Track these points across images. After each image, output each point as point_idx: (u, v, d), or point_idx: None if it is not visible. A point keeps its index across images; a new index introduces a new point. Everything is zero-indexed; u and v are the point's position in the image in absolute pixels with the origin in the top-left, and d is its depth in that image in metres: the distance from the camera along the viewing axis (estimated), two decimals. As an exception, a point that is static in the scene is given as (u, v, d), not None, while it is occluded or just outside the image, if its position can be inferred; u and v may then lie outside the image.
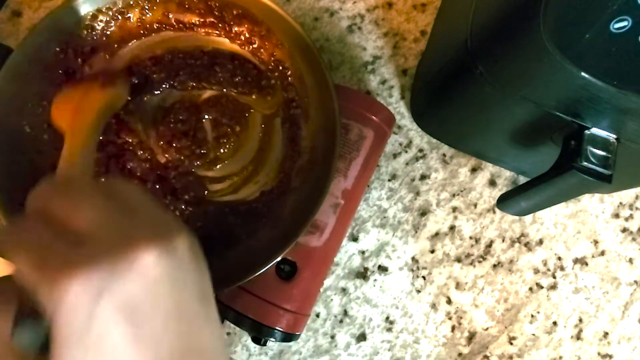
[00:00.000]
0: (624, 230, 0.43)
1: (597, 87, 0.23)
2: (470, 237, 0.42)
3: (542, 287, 0.42)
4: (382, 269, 0.41)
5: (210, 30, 0.37)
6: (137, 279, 0.19)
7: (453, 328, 0.41)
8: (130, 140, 0.36)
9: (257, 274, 0.32)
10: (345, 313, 0.41)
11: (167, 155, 0.36)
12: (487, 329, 0.41)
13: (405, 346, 0.41)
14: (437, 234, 0.42)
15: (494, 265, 0.42)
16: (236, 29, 0.37)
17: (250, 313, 0.33)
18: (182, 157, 0.36)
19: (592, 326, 0.42)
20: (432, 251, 0.42)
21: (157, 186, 0.36)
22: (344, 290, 0.41)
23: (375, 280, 0.41)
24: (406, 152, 0.43)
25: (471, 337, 0.41)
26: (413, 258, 0.42)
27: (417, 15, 0.44)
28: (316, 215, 0.33)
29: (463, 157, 0.43)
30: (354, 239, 0.41)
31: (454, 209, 0.42)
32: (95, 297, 0.17)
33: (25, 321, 0.18)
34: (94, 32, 0.35)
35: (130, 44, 0.37)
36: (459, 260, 0.42)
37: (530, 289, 0.42)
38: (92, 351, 0.18)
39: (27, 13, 0.43)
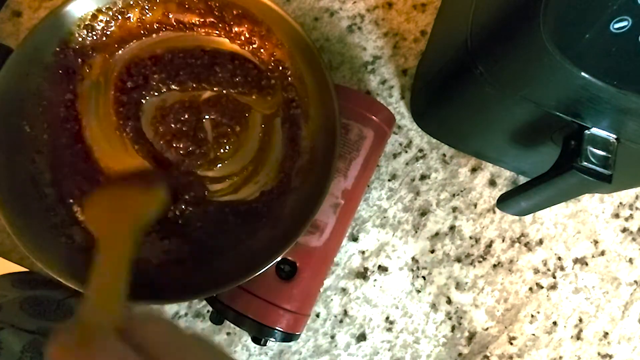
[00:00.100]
0: (624, 230, 0.43)
1: (597, 87, 0.23)
2: (470, 237, 0.42)
3: (542, 287, 0.42)
4: (382, 269, 0.41)
5: (210, 30, 0.37)
6: None
7: (453, 328, 0.41)
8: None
9: (257, 274, 0.32)
10: (345, 313, 0.41)
11: (167, 155, 0.36)
12: (487, 329, 0.41)
13: (405, 346, 0.41)
14: (437, 234, 0.42)
15: (494, 265, 0.42)
16: (236, 29, 0.37)
17: (250, 313, 0.33)
18: (182, 157, 0.36)
19: (592, 326, 0.42)
20: (432, 251, 0.42)
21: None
22: (344, 290, 0.41)
23: (375, 280, 0.41)
24: (406, 152, 0.43)
25: (471, 337, 0.41)
26: (413, 258, 0.42)
27: (417, 15, 0.44)
28: (316, 215, 0.33)
29: (463, 157, 0.43)
30: (354, 239, 0.41)
31: (454, 209, 0.42)
32: None
33: None
34: (94, 32, 0.35)
35: (130, 44, 0.37)
36: (459, 260, 0.42)
37: (530, 289, 0.42)
38: None
39: (27, 13, 0.43)
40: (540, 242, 0.42)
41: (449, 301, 0.41)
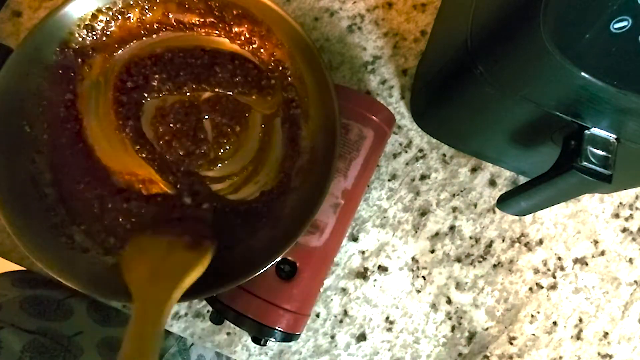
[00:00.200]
0: (624, 230, 0.43)
1: (597, 87, 0.23)
2: (470, 237, 0.42)
3: (542, 287, 0.42)
4: (382, 269, 0.41)
5: (210, 30, 0.37)
6: None
7: (453, 328, 0.41)
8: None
9: (257, 274, 0.32)
10: (345, 313, 0.41)
11: (167, 156, 0.36)
12: (487, 329, 0.41)
13: (405, 346, 0.41)
14: (437, 234, 0.42)
15: (494, 265, 0.42)
16: (236, 29, 0.37)
17: (250, 313, 0.33)
18: (182, 157, 0.36)
19: (592, 326, 0.42)
20: (432, 251, 0.42)
21: (157, 186, 0.36)
22: (344, 290, 0.41)
23: (375, 280, 0.41)
24: (406, 152, 0.43)
25: (471, 337, 0.41)
26: (413, 258, 0.41)
27: (417, 15, 0.44)
28: (316, 215, 0.33)
29: (463, 157, 0.43)
30: (354, 239, 0.41)
31: (454, 209, 0.42)
32: None
33: None
34: (94, 32, 0.35)
35: (130, 44, 0.37)
36: (459, 260, 0.42)
37: (530, 289, 0.42)
38: None
39: (27, 13, 0.43)
40: (540, 242, 0.42)
41: (449, 301, 0.41)
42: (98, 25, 0.35)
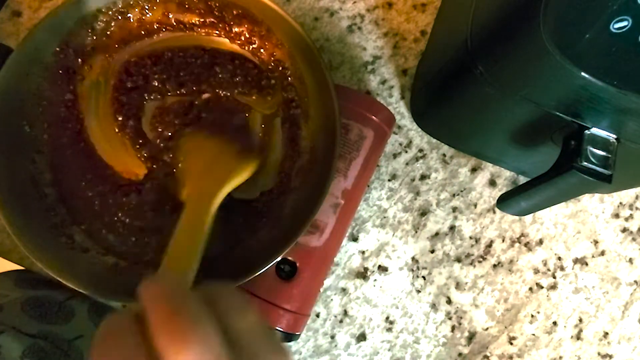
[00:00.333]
0: (624, 230, 0.43)
1: (597, 87, 0.23)
2: (470, 237, 0.42)
3: (542, 287, 0.42)
4: (382, 269, 0.41)
5: (210, 30, 0.37)
6: None
7: (453, 328, 0.41)
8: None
9: (257, 274, 0.32)
10: (345, 313, 0.41)
11: (167, 156, 0.36)
12: (487, 329, 0.41)
13: (405, 346, 0.41)
14: (437, 234, 0.42)
15: (494, 265, 0.42)
16: (236, 29, 0.37)
17: (250, 313, 0.33)
18: (182, 157, 0.36)
19: (592, 326, 0.42)
20: (432, 251, 0.42)
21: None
22: (344, 290, 0.41)
23: (375, 280, 0.41)
24: (406, 152, 0.43)
25: (471, 337, 0.41)
26: (413, 258, 0.42)
27: (417, 15, 0.44)
28: (316, 215, 0.33)
29: (463, 157, 0.43)
30: (354, 239, 0.41)
31: (454, 209, 0.42)
32: None
33: None
34: (94, 32, 0.35)
35: (130, 44, 0.37)
36: (459, 260, 0.42)
37: (530, 289, 0.42)
38: None
39: (27, 13, 0.43)
40: (540, 242, 0.42)
41: (449, 301, 0.41)
42: (98, 25, 0.35)
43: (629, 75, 0.22)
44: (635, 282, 0.43)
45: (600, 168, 0.26)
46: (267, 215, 0.36)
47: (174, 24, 0.37)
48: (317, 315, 0.40)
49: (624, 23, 0.20)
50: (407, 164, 0.43)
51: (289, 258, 0.35)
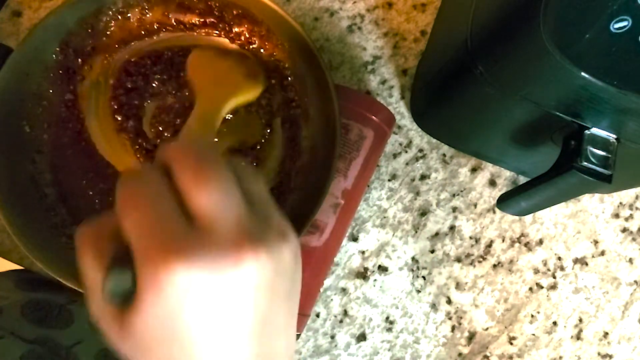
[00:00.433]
0: (624, 230, 0.43)
1: (597, 87, 0.23)
2: (470, 237, 0.42)
3: (542, 287, 0.42)
4: (382, 269, 0.41)
5: (210, 30, 0.37)
6: (236, 284, 0.17)
7: (453, 328, 0.41)
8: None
9: (257, 274, 0.32)
10: (345, 313, 0.41)
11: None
12: (487, 329, 0.41)
13: (405, 346, 0.41)
14: (437, 234, 0.42)
15: (494, 265, 0.42)
16: (236, 29, 0.37)
17: (250, 313, 0.33)
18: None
19: (592, 326, 0.42)
20: (432, 251, 0.42)
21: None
22: (344, 290, 0.41)
23: (375, 280, 0.41)
24: (406, 152, 0.43)
25: (471, 337, 0.41)
26: (413, 258, 0.42)
27: (417, 15, 0.44)
28: (316, 215, 0.33)
29: (463, 157, 0.43)
30: (354, 239, 0.41)
31: (454, 209, 0.42)
32: (185, 293, 0.17)
33: (115, 269, 0.18)
34: (94, 32, 0.35)
35: (130, 44, 0.37)
36: (459, 260, 0.42)
37: (530, 289, 0.42)
38: (167, 344, 0.17)
39: (27, 13, 0.43)
40: (540, 242, 0.42)
41: (449, 301, 0.41)
42: (98, 25, 0.35)
43: (629, 75, 0.22)
44: (635, 282, 0.43)
45: (600, 168, 0.26)
46: (267, 215, 0.36)
47: (174, 24, 0.37)
48: (317, 315, 0.40)
49: (624, 23, 0.20)
50: (407, 164, 0.43)
51: (289, 258, 0.35)
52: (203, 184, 0.18)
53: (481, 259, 0.42)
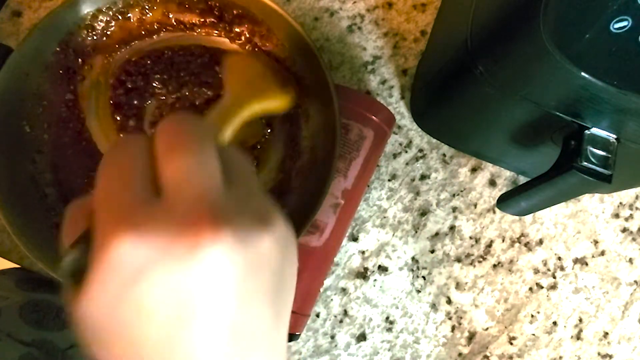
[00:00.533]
0: (624, 230, 0.43)
1: (597, 87, 0.23)
2: (470, 237, 0.42)
3: (542, 287, 0.42)
4: (382, 269, 0.41)
5: (210, 30, 0.37)
6: (190, 274, 0.14)
7: (453, 328, 0.41)
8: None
9: (257, 274, 0.32)
10: (345, 313, 0.41)
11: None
12: (487, 329, 0.41)
13: (405, 346, 0.41)
14: (437, 234, 0.42)
15: (494, 265, 0.42)
16: (236, 28, 0.37)
17: (250, 313, 0.33)
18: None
19: (592, 326, 0.42)
20: (432, 251, 0.42)
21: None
22: (344, 290, 0.41)
23: (375, 280, 0.41)
24: (406, 152, 0.43)
25: (471, 337, 0.41)
26: (413, 258, 0.42)
27: (417, 15, 0.44)
28: (316, 215, 0.33)
29: (463, 157, 0.43)
30: (354, 239, 0.41)
31: (454, 209, 0.42)
32: (133, 275, 0.14)
33: (79, 245, 0.16)
34: (94, 32, 0.35)
35: (130, 44, 0.37)
36: (459, 260, 0.42)
37: (530, 289, 0.42)
38: (115, 339, 0.15)
39: (27, 13, 0.43)
40: (540, 242, 0.42)
41: (449, 301, 0.41)
42: (98, 25, 0.35)
43: (629, 75, 0.22)
44: (635, 282, 0.43)
45: (600, 168, 0.26)
46: (267, 215, 0.36)
47: (174, 24, 0.37)
48: (317, 315, 0.40)
49: (624, 23, 0.20)
50: (407, 164, 0.43)
51: (289, 258, 0.35)
52: (176, 152, 0.16)
53: (481, 259, 0.42)
